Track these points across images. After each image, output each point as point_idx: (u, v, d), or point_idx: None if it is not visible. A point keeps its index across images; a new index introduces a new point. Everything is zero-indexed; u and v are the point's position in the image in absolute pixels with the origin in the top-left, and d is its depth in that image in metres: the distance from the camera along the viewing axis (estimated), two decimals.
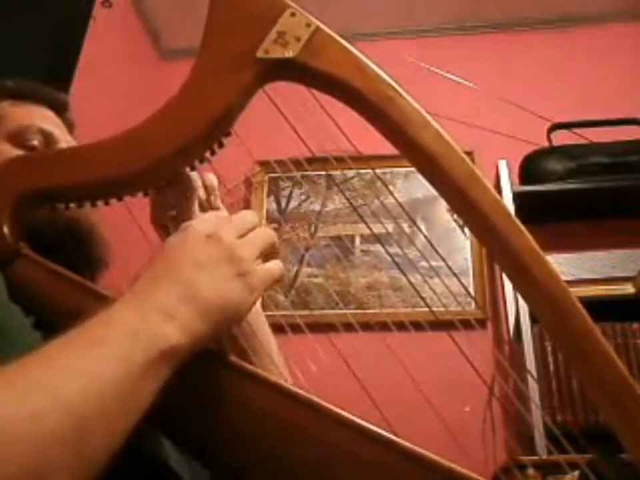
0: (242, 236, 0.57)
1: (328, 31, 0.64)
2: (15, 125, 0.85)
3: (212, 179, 0.80)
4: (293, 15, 0.65)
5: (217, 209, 0.79)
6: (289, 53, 0.63)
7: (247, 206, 2.35)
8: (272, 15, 0.65)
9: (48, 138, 0.86)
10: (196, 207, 0.76)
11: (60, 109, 0.92)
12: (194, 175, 0.75)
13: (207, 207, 0.78)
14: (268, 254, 0.59)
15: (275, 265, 0.59)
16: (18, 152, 0.82)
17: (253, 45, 0.64)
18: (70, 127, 0.93)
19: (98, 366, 0.45)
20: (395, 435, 0.54)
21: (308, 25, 0.64)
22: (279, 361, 0.78)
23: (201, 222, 0.58)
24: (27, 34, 1.77)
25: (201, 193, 0.78)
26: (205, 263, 0.54)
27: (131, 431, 0.46)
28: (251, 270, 0.56)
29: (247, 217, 0.60)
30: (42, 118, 0.87)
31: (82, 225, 0.80)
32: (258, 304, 0.77)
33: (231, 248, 0.55)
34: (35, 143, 0.84)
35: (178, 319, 0.50)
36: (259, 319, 0.80)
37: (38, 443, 0.40)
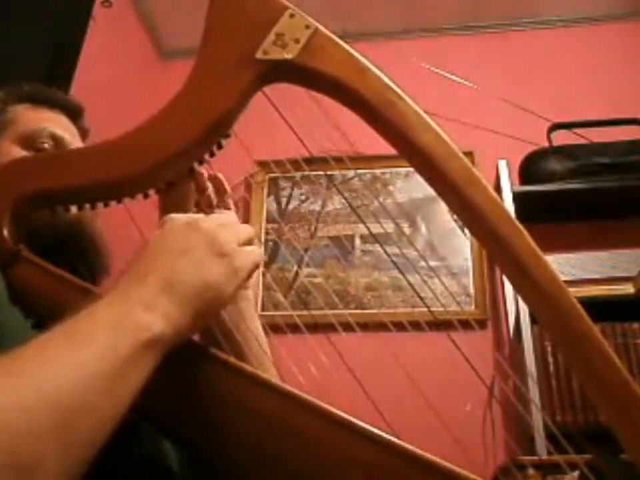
0: (221, 226, 0.58)
1: (327, 32, 0.64)
2: (26, 128, 0.85)
3: (219, 176, 0.77)
4: (292, 16, 0.65)
5: (228, 208, 0.77)
6: (288, 55, 0.63)
7: (247, 206, 2.35)
8: (271, 16, 0.65)
9: (58, 143, 0.86)
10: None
11: (74, 115, 0.92)
12: (201, 173, 0.74)
13: (216, 205, 0.76)
14: (247, 244, 0.59)
15: (255, 249, 0.59)
16: (27, 155, 0.82)
17: (252, 46, 0.64)
18: (84, 134, 0.93)
19: (83, 358, 0.46)
20: (395, 435, 0.54)
21: (307, 27, 0.64)
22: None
23: (179, 215, 0.59)
24: (27, 34, 1.77)
25: (210, 192, 0.77)
26: (185, 249, 0.55)
27: (119, 423, 0.46)
28: (233, 251, 0.56)
29: (226, 213, 0.61)
30: (54, 123, 0.87)
31: (84, 230, 0.81)
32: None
33: (211, 232, 0.56)
34: (45, 147, 0.84)
35: (159, 309, 0.51)
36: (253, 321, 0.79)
37: (27, 434, 0.40)
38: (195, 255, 0.54)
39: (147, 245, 0.56)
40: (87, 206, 0.68)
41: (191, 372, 0.56)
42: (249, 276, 0.58)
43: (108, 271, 0.83)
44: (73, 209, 0.68)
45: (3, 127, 0.86)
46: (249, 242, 0.60)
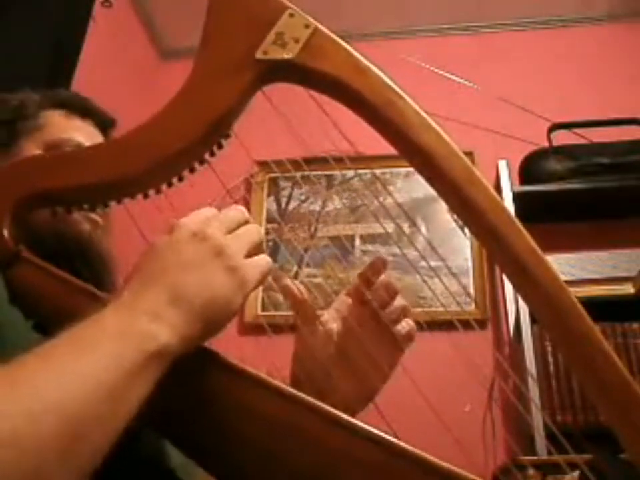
0: (229, 232, 0.57)
1: (327, 32, 0.64)
2: (55, 136, 0.85)
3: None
4: (291, 16, 0.65)
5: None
6: (288, 54, 0.63)
7: (247, 206, 2.35)
8: (270, 16, 0.65)
9: None
10: None
11: (105, 128, 0.92)
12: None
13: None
14: (255, 251, 0.59)
15: (263, 260, 0.59)
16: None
17: (251, 46, 0.64)
18: None
19: (89, 367, 0.46)
20: (395, 435, 0.54)
21: (306, 26, 0.64)
22: None
23: (188, 220, 0.58)
24: (27, 34, 1.77)
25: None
26: (192, 261, 0.54)
27: (123, 431, 0.46)
28: (241, 264, 0.56)
29: (235, 213, 0.60)
30: (83, 133, 0.87)
31: (93, 247, 0.80)
32: None
33: (219, 244, 0.56)
34: None
35: (165, 320, 0.51)
36: None
37: (32, 442, 0.40)
38: (202, 267, 0.54)
39: (153, 250, 0.56)
40: (87, 207, 0.68)
41: (195, 376, 0.56)
42: (257, 286, 0.58)
43: (114, 286, 0.82)
44: (74, 210, 0.68)
45: (33, 130, 0.85)
46: (258, 247, 0.59)
